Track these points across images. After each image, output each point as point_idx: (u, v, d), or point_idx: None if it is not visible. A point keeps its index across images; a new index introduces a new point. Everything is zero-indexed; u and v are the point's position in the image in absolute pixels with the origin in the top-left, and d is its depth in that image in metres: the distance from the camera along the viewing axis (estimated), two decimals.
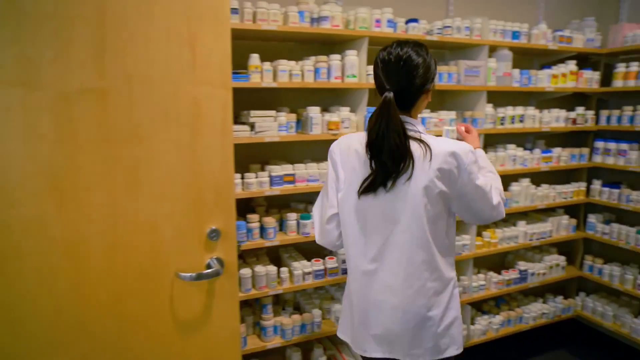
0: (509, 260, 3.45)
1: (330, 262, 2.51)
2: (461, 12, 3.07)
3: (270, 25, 2.19)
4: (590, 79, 3.28)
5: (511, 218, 3.31)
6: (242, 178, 2.29)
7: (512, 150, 3.05)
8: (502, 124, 2.96)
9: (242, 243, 2.26)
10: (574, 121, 3.28)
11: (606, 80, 3.40)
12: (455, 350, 1.49)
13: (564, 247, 3.58)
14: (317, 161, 2.54)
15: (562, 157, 3.26)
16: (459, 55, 2.95)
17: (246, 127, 2.24)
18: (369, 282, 1.46)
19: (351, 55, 2.39)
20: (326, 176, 1.54)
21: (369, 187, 1.38)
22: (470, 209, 1.45)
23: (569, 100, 3.55)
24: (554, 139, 3.48)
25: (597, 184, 3.43)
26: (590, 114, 3.35)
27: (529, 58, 3.43)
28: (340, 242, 1.55)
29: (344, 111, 2.46)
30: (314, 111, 2.37)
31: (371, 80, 1.99)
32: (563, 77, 3.13)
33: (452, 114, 2.78)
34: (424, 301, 1.41)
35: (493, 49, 2.87)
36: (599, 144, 3.40)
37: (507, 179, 3.16)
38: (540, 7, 3.41)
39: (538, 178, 3.35)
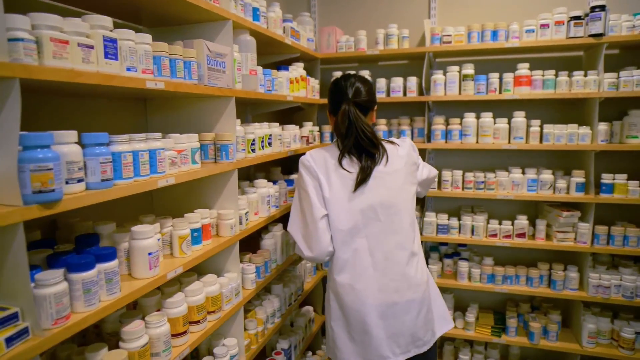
0: (273, 341, 2.43)
1: None
2: None
3: None
4: (313, 88, 2.69)
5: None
6: None
7: (264, 187, 2.05)
8: (253, 150, 1.90)
9: None
10: (307, 140, 2.60)
11: (325, 90, 2.90)
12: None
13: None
14: None
15: None
16: (175, 34, 1.69)
17: None
18: (374, 279, 1.57)
19: None
20: (300, 188, 1.64)
21: (363, 179, 1.55)
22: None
23: (286, 113, 2.88)
24: (288, 163, 2.73)
25: None
26: (316, 129, 2.77)
27: None
28: (332, 247, 1.59)
29: None
30: None
31: None
32: (297, 84, 2.38)
33: (194, 139, 1.51)
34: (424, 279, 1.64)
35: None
36: None
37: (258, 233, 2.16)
38: None
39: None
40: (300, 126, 2.58)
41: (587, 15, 2.39)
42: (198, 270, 1.69)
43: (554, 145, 2.48)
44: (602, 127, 2.44)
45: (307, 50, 2.52)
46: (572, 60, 2.68)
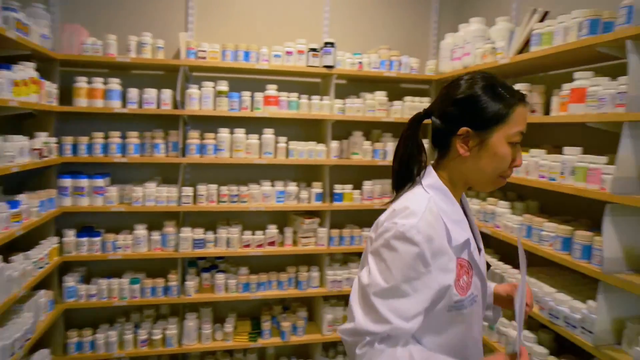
0: None
1: None
2: None
3: None
4: (50, 93, 2.33)
5: None
6: None
7: None
8: None
9: None
10: (41, 153, 2.23)
11: (65, 96, 2.54)
12: None
13: None
14: None
15: (32, 208, 2.15)
16: None
17: None
18: None
19: None
20: None
21: None
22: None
23: (15, 121, 2.41)
24: (14, 181, 2.26)
25: (71, 236, 2.55)
26: (53, 141, 2.41)
27: None
28: None
29: None
30: None
31: None
32: (26, 87, 2.02)
33: None
34: None
35: None
36: (66, 182, 2.52)
37: None
38: None
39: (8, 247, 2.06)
40: (32, 137, 2.20)
41: (322, 48, 2.79)
42: None
43: (298, 160, 2.80)
44: (334, 145, 2.88)
45: (41, 48, 2.16)
46: (312, 86, 3.08)
